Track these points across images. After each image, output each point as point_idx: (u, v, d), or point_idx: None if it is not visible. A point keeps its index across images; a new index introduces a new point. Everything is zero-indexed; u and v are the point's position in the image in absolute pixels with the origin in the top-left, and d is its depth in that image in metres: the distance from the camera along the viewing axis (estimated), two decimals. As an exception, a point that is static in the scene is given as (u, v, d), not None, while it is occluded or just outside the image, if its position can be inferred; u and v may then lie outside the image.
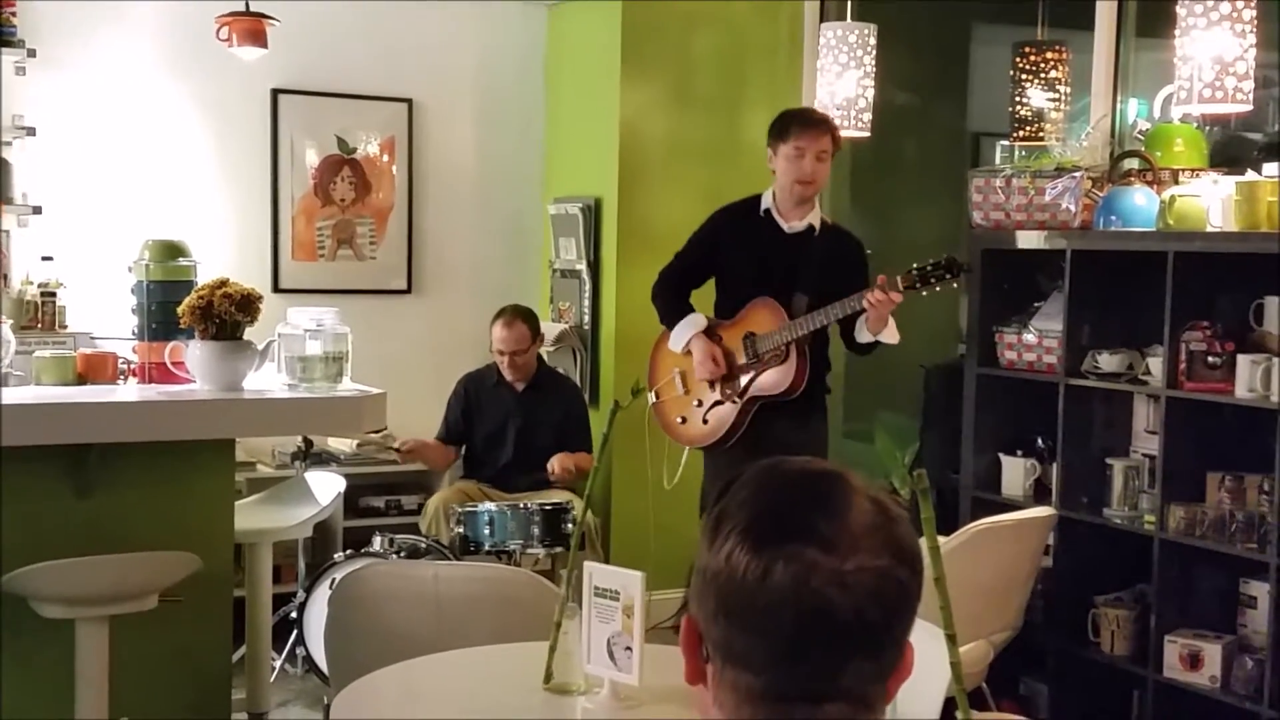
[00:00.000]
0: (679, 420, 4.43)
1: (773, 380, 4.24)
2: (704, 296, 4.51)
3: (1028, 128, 4.73)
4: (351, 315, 3.78)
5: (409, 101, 5.94)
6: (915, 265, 4.07)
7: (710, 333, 4.36)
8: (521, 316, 5.23)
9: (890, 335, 4.19)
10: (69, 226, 5.25)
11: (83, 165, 5.35)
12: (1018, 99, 4.76)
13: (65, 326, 5.04)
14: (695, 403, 4.38)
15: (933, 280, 4.04)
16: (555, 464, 5.07)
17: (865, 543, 1.15)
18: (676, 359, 4.43)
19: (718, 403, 4.33)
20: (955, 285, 4.11)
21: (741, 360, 4.29)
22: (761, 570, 1.14)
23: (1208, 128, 4.31)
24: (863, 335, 4.23)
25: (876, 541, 1.16)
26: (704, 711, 1.23)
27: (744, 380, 4.28)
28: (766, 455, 4.01)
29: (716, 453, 4.36)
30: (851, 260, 4.39)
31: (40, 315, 5.02)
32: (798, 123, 4.28)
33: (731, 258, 4.38)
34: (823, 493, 1.18)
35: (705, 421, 4.35)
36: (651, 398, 4.43)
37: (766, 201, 4.36)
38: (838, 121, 4.77)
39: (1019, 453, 4.40)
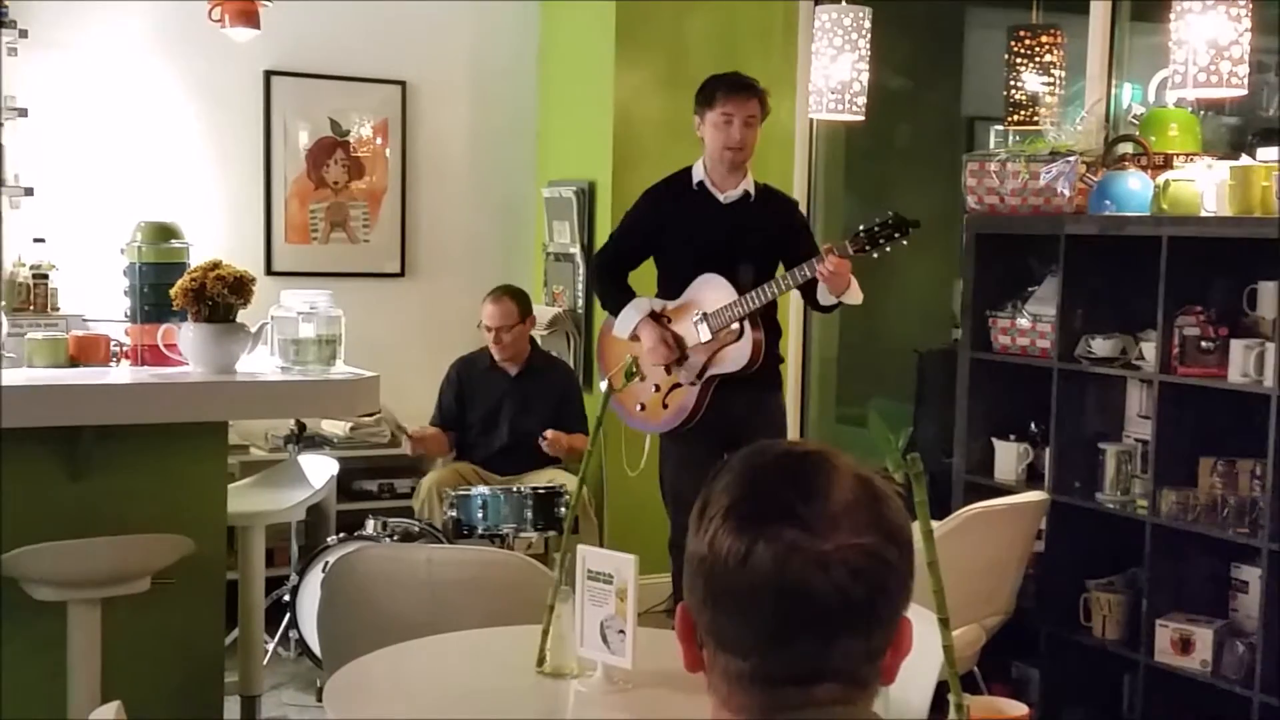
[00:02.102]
0: (638, 407, 4.32)
1: (732, 357, 4.17)
2: (645, 279, 4.41)
3: (1022, 112, 4.72)
4: (345, 298, 3.77)
5: (403, 84, 5.92)
6: (862, 227, 4.01)
7: (657, 316, 4.25)
8: (510, 294, 5.22)
9: (853, 296, 4.10)
10: (61, 208, 5.23)
11: (75, 147, 5.33)
12: (1012, 83, 4.75)
13: (57, 309, 5.03)
14: (653, 388, 4.27)
15: (882, 241, 3.98)
16: (549, 433, 5.06)
17: (847, 522, 1.14)
18: (626, 345, 4.31)
19: (676, 386, 4.23)
20: (905, 244, 4.01)
21: (696, 340, 4.20)
22: (742, 553, 1.14)
23: (1203, 112, 4.31)
24: (826, 299, 4.16)
25: (860, 520, 1.15)
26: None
27: (701, 361, 4.19)
28: (726, 432, 4.04)
29: (674, 435, 4.28)
30: (792, 221, 4.36)
31: (32, 297, 5.00)
32: (724, 88, 4.18)
33: (670, 235, 4.28)
34: (804, 474, 1.18)
35: (665, 406, 4.26)
36: (603, 386, 4.24)
37: (698, 174, 4.28)
38: (832, 105, 4.77)
39: (1012, 437, 4.40)
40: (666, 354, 4.19)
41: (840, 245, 4.00)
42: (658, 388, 4.27)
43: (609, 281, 4.38)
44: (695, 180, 4.28)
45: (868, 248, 3.99)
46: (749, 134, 4.19)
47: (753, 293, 4.12)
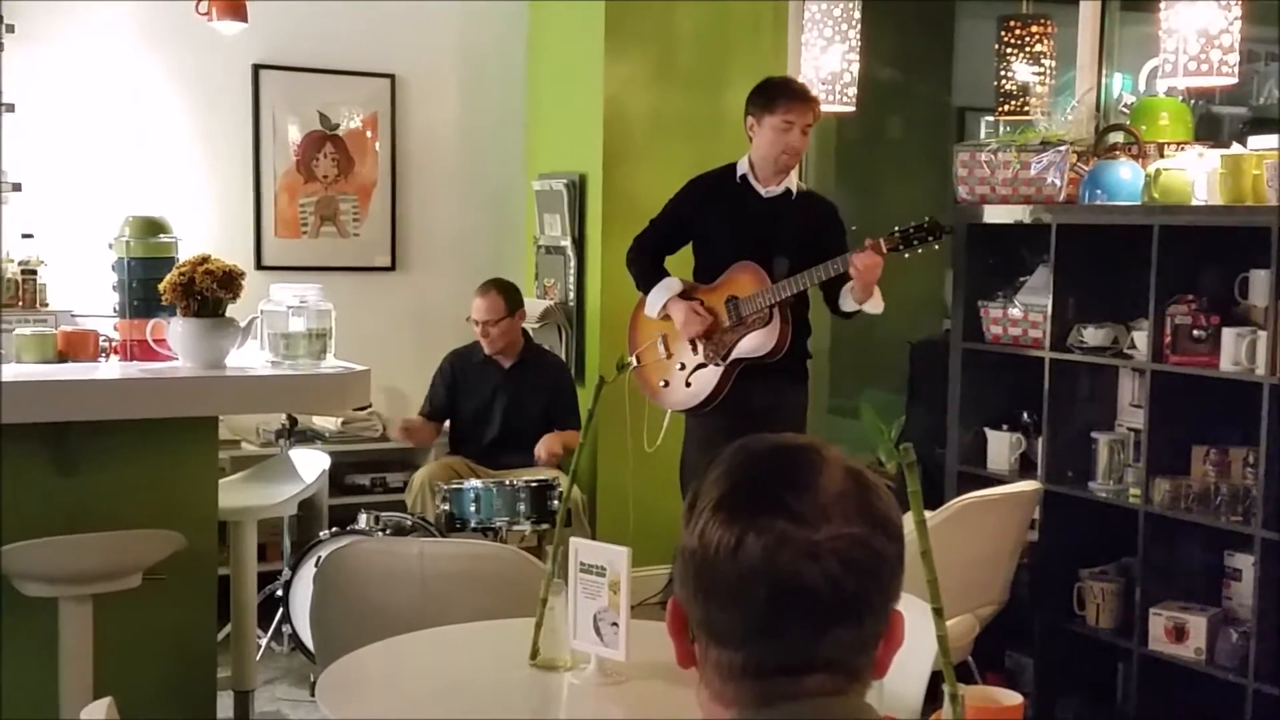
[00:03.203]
0: (662, 384, 4.42)
1: (757, 342, 4.24)
2: (684, 267, 4.48)
3: (1013, 102, 4.72)
4: (335, 292, 3.76)
5: (392, 77, 5.90)
6: (897, 227, 4.11)
7: (688, 296, 4.35)
8: (498, 288, 5.21)
9: (875, 305, 4.22)
10: (49, 203, 5.21)
11: (63, 141, 5.30)
12: (1003, 73, 4.74)
13: (46, 304, 5.01)
14: (678, 366, 4.37)
15: (915, 243, 4.08)
16: (542, 449, 5.04)
17: (837, 512, 1.15)
18: (656, 324, 4.42)
19: (700, 365, 4.32)
20: (937, 247, 4.12)
21: (725, 323, 4.29)
22: (733, 545, 1.14)
23: (1193, 101, 4.30)
24: (847, 304, 4.26)
25: (849, 510, 1.16)
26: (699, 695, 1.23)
27: (727, 342, 4.28)
28: (747, 420, 4.04)
29: (698, 417, 4.37)
30: (829, 222, 4.41)
31: (21, 293, 4.98)
32: (787, 95, 4.28)
33: (709, 224, 4.39)
34: (793, 465, 1.18)
35: (688, 385, 4.34)
36: (633, 362, 4.39)
37: (743, 168, 4.38)
38: (822, 96, 4.80)
39: (1004, 427, 4.40)
40: (701, 322, 4.28)
41: (875, 243, 4.07)
42: (683, 366, 4.36)
43: (644, 263, 4.47)
44: (739, 174, 4.38)
45: (900, 247, 4.09)
46: (805, 140, 4.31)
47: (783, 283, 4.20)
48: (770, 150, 4.27)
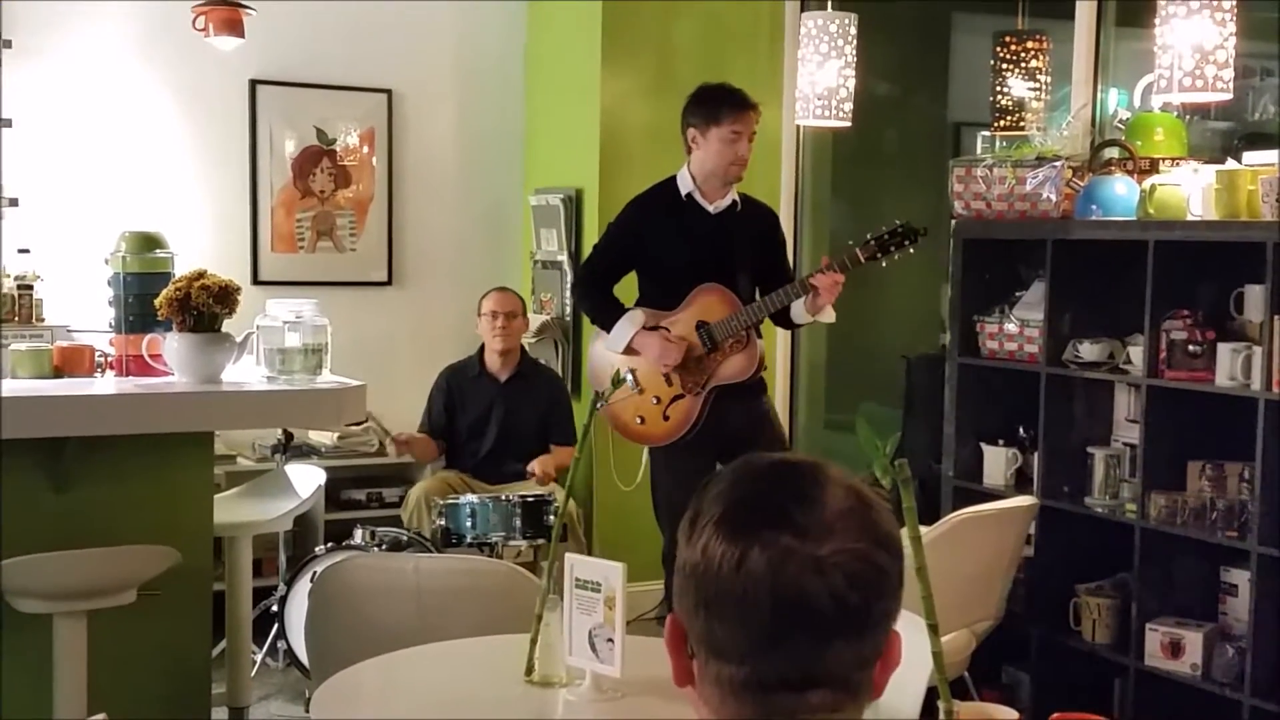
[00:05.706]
0: (638, 420, 4.25)
1: (739, 366, 4.18)
2: (627, 293, 4.37)
3: (1008, 117, 4.73)
4: (331, 307, 3.76)
5: (388, 92, 5.91)
6: (871, 235, 4.08)
7: (651, 327, 4.20)
8: (510, 289, 5.35)
9: (828, 315, 4.18)
10: (46, 219, 5.21)
11: (60, 157, 5.31)
12: (998, 88, 4.75)
13: (42, 319, 5.00)
14: (653, 400, 4.21)
15: (892, 249, 4.07)
16: (536, 467, 5.04)
17: (840, 527, 1.15)
18: (618, 359, 4.23)
19: (678, 397, 4.19)
20: (912, 251, 4.10)
21: (698, 351, 4.17)
22: (736, 558, 1.14)
23: (1188, 117, 4.31)
24: (801, 318, 4.21)
25: (852, 526, 1.16)
26: (699, 713, 1.23)
27: (705, 369, 4.18)
28: (722, 444, 4.02)
29: (668, 448, 4.24)
30: (774, 230, 4.41)
31: (17, 308, 4.97)
32: (731, 105, 4.15)
33: (660, 247, 4.23)
34: (796, 481, 1.19)
35: (667, 418, 4.21)
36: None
37: (686, 185, 4.24)
38: (819, 111, 4.80)
39: (1000, 442, 4.40)
40: (677, 353, 4.13)
41: (837, 258, 4.03)
42: (658, 399, 4.21)
43: (599, 297, 4.31)
44: (684, 192, 4.24)
45: (878, 255, 4.07)
46: (750, 149, 4.19)
47: (757, 304, 4.14)
48: (719, 163, 4.14)
